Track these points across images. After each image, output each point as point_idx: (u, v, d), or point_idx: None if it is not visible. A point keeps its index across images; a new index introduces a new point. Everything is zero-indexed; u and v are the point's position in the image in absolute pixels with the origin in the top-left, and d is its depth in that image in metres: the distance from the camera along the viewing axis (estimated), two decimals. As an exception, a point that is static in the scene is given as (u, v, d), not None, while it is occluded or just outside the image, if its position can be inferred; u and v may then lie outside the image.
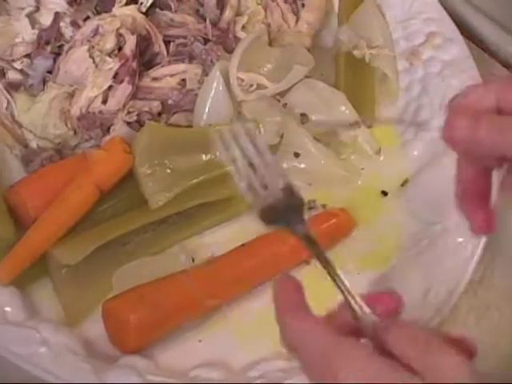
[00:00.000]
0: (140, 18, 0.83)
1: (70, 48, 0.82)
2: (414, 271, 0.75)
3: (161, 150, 0.78)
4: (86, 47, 0.81)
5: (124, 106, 0.81)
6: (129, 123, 0.81)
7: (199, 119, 0.81)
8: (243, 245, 0.77)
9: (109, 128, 0.81)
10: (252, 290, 0.76)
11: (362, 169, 0.84)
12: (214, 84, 0.81)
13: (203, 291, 0.73)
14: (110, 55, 0.80)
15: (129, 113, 0.81)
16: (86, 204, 0.76)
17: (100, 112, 0.80)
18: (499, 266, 0.78)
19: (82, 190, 0.76)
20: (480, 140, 0.52)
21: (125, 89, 0.80)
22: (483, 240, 0.74)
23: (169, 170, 0.77)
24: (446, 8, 0.89)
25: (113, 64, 0.80)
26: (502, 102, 0.53)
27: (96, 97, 0.80)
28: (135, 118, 0.81)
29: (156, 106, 0.82)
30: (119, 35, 0.81)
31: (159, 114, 0.82)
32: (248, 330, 0.75)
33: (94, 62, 0.80)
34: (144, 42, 0.83)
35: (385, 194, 0.83)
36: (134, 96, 0.81)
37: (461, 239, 0.75)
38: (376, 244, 0.80)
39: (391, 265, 0.78)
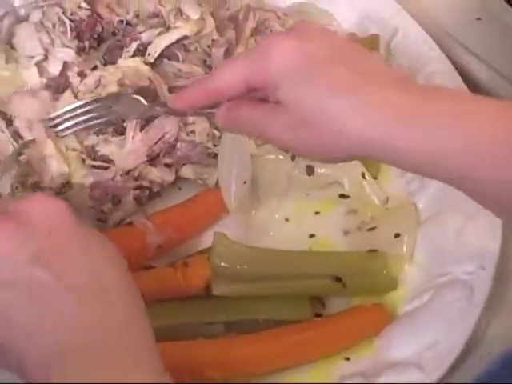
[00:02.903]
0: (145, 69, 0.83)
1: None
2: (419, 323, 0.75)
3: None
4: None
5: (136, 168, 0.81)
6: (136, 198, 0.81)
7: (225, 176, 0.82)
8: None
9: (119, 201, 0.80)
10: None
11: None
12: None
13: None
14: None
15: (140, 188, 0.81)
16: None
17: (113, 180, 0.80)
18: (505, 314, 0.78)
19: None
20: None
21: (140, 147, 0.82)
22: (489, 288, 0.75)
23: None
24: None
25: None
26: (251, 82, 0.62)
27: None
28: (147, 192, 0.81)
29: (169, 176, 0.82)
30: (121, 86, 0.81)
31: (168, 165, 0.82)
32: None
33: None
34: (149, 93, 0.82)
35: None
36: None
37: (467, 290, 0.75)
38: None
39: (395, 316, 0.78)
